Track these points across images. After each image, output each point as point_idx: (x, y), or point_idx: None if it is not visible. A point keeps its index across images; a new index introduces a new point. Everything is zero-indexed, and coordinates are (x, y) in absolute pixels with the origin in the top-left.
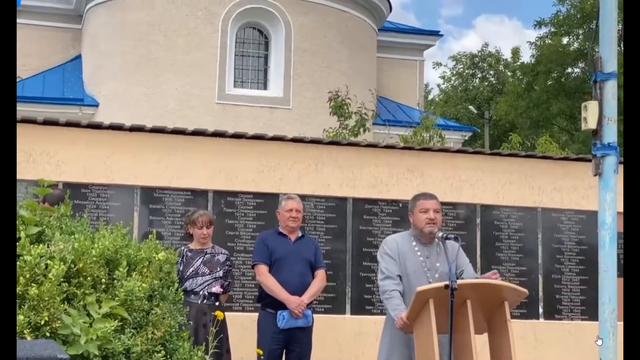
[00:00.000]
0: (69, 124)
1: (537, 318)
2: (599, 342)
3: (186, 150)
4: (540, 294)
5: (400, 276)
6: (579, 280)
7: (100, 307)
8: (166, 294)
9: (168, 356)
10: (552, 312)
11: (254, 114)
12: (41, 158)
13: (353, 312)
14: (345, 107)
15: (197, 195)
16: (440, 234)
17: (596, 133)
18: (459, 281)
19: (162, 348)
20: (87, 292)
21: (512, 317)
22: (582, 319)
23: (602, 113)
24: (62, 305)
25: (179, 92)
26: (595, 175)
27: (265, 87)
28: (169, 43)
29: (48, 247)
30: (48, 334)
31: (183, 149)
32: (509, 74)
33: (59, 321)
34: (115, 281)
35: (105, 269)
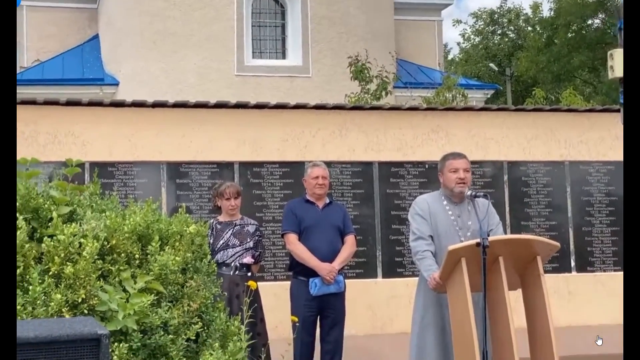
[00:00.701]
0: (92, 104)
1: (570, 271)
2: (599, 342)
3: (210, 123)
4: (572, 247)
5: (431, 236)
6: (609, 232)
7: (135, 283)
8: (199, 267)
9: (205, 327)
10: (584, 265)
11: (274, 84)
12: (66, 139)
13: (385, 276)
14: (365, 72)
15: (223, 168)
16: (469, 193)
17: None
18: (491, 238)
19: (198, 320)
20: (121, 268)
21: (545, 271)
22: (615, 270)
23: None
24: (98, 282)
25: (197, 66)
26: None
27: (284, 57)
28: (185, 17)
29: (80, 225)
30: (86, 312)
31: (206, 123)
32: (529, 29)
33: (96, 298)
34: (149, 256)
35: (138, 244)
